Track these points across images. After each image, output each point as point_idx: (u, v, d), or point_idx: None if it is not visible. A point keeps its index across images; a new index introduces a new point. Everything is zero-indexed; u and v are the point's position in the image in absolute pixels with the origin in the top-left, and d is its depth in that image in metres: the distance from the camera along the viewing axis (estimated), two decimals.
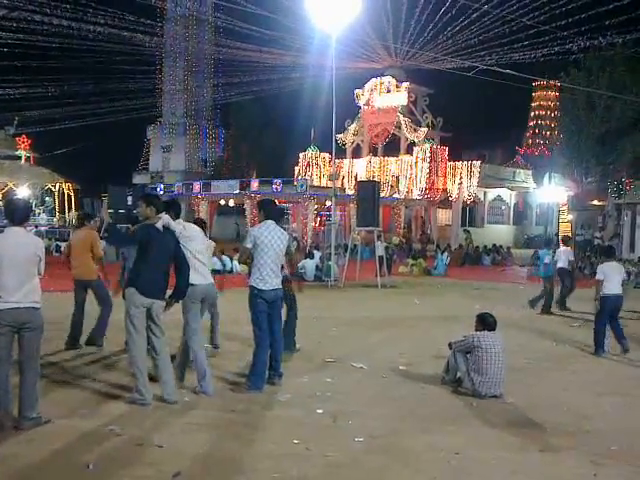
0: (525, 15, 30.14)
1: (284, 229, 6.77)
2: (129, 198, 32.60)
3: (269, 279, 6.26)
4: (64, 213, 40.43)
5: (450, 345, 6.62)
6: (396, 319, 11.25)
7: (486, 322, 6.42)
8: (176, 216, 6.17)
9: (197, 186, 36.34)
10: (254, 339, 6.33)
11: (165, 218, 5.81)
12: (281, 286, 6.49)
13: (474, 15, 32.76)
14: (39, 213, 38.03)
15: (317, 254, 20.34)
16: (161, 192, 38.73)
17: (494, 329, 6.41)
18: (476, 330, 6.45)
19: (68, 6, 25.42)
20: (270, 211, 6.52)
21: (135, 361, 5.64)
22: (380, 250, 18.49)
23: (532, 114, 57.57)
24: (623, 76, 27.95)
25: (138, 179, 54.45)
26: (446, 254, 23.89)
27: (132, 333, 5.60)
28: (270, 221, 6.40)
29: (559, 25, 28.80)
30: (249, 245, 6.27)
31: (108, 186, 32.13)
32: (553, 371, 7.55)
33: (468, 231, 28.93)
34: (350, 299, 14.26)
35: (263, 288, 6.23)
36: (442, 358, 6.98)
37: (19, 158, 40.64)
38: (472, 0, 30.82)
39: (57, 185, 40.63)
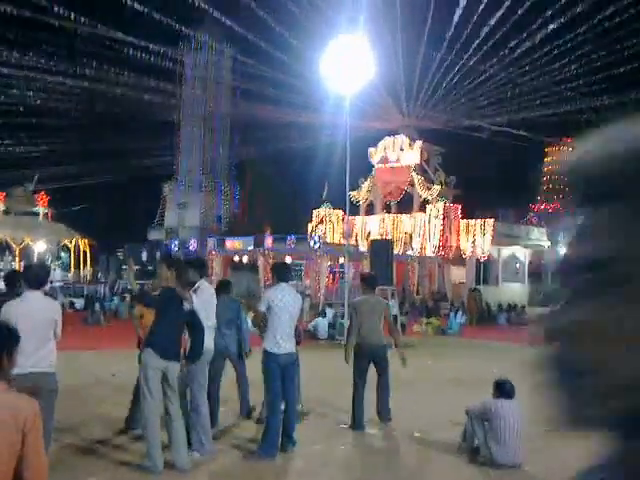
0: (537, 75, 30.72)
1: (297, 289, 6.84)
2: (144, 254, 32.86)
3: (283, 343, 6.25)
4: (79, 269, 40.74)
5: (467, 412, 6.50)
6: (410, 381, 11.08)
7: (503, 389, 6.32)
8: (200, 276, 6.25)
9: (211, 242, 36.60)
10: (267, 405, 6.27)
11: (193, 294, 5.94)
12: (295, 350, 6.48)
13: (485, 76, 33.37)
14: (54, 269, 38.37)
15: (330, 312, 20.27)
16: (176, 248, 39.06)
17: (512, 397, 6.30)
18: (493, 397, 6.34)
19: (89, 68, 26.28)
20: (283, 274, 6.60)
21: (148, 425, 5.59)
22: (394, 309, 18.37)
23: (545, 172, 58.05)
24: None
25: (153, 235, 54.95)
26: (460, 313, 23.71)
27: (147, 396, 5.58)
28: (284, 284, 6.46)
29: (569, 86, 29.29)
30: (263, 308, 6.30)
31: (125, 244, 32.67)
32: (575, 439, 7.35)
33: (477, 289, 28.73)
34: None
35: (278, 352, 6.21)
36: (458, 424, 6.84)
37: (37, 214, 41.29)
38: (482, 63, 31.49)
39: (73, 241, 41.10)
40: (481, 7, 24.64)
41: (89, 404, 8.33)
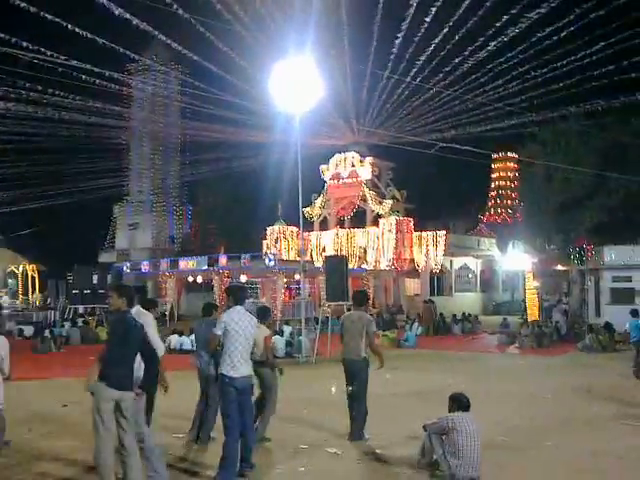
0: (481, 91, 31.46)
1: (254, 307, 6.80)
2: (94, 277, 32.12)
3: (240, 366, 6.19)
4: (27, 295, 39.53)
5: (425, 427, 6.52)
6: (369, 396, 11.08)
7: (459, 403, 6.37)
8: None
9: (164, 263, 36.05)
10: (223, 430, 6.17)
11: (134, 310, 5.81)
12: (252, 373, 6.42)
13: (431, 93, 34.03)
14: (1, 296, 37.12)
15: (287, 329, 20.17)
16: (127, 270, 38.33)
17: (467, 409, 6.34)
18: (449, 411, 6.38)
19: (33, 92, 25.69)
20: (239, 297, 6.55)
21: (99, 458, 5.42)
22: None
23: (493, 184, 59.44)
24: (577, 147, 29.12)
25: (104, 257, 53.88)
26: (416, 325, 23.90)
27: (99, 428, 5.42)
28: (239, 307, 6.42)
29: (513, 101, 30.08)
30: (219, 332, 6.23)
31: (73, 266, 31.79)
32: (530, 449, 7.46)
33: (431, 301, 29.10)
34: (321, 376, 14.04)
35: (234, 376, 6.14)
36: (417, 439, 6.86)
37: None
38: (428, 80, 32.13)
39: (21, 266, 39.92)
40: (424, 26, 25.10)
41: (37, 437, 8.03)
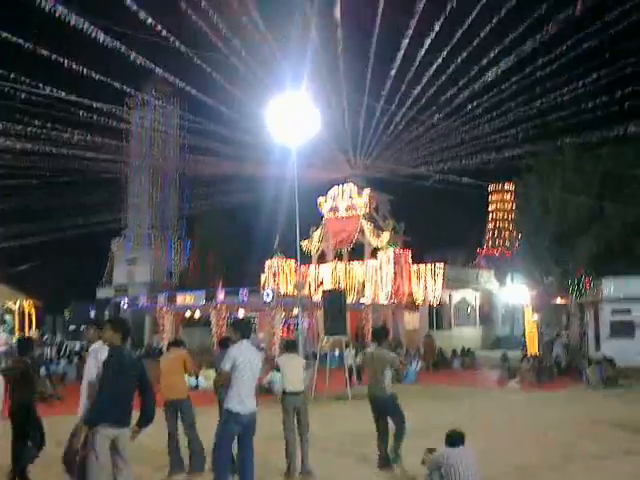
0: (477, 123, 31.83)
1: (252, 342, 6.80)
2: (92, 313, 31.93)
3: (248, 401, 6.20)
4: (24, 331, 39.25)
5: (423, 462, 6.51)
6: (367, 435, 10.93)
7: (452, 440, 6.36)
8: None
9: (162, 298, 35.91)
10: (213, 466, 6.08)
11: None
12: (256, 408, 6.40)
13: (427, 125, 34.45)
14: None
15: None
16: (125, 305, 38.15)
17: (461, 444, 6.32)
18: (445, 446, 6.38)
19: (32, 127, 25.90)
20: (246, 331, 6.58)
21: None
22: (349, 359, 18.29)
23: (490, 216, 59.69)
24: (573, 178, 29.29)
25: (102, 293, 53.73)
26: (417, 360, 23.73)
27: (94, 466, 5.33)
28: (246, 341, 6.43)
29: (509, 133, 30.44)
30: (228, 367, 6.21)
31: (71, 302, 31.74)
32: None
33: (430, 335, 28.97)
34: (319, 414, 13.84)
35: (242, 412, 6.10)
36: (419, 475, 6.77)
37: None
38: (424, 113, 32.54)
39: (17, 302, 39.70)
40: (418, 59, 25.56)
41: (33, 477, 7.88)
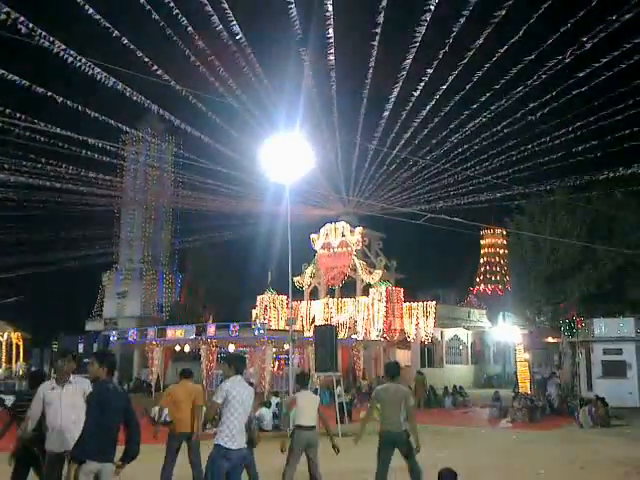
0: (468, 165, 32.23)
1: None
2: (80, 346, 31.57)
3: (238, 437, 6.14)
4: (10, 364, 38.79)
5: None
6: (357, 472, 10.83)
7: (441, 477, 6.30)
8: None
9: (152, 332, 35.65)
10: None
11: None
12: (246, 445, 6.34)
13: (419, 166, 34.86)
14: None
15: (275, 400, 19.82)
16: (114, 338, 37.83)
17: None
18: None
19: (23, 159, 26.02)
20: (241, 366, 6.56)
21: None
22: (341, 397, 18.16)
23: (482, 255, 59.91)
24: (564, 219, 29.58)
25: (91, 326, 53.21)
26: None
27: None
28: (239, 376, 6.41)
29: (500, 174, 30.80)
30: (220, 400, 6.17)
31: (59, 334, 31.43)
32: None
33: (421, 373, 28.81)
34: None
35: (232, 447, 6.05)
36: None
37: None
38: (415, 154, 32.96)
39: (5, 334, 39.34)
40: (412, 100, 25.95)
41: None
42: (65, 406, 6.31)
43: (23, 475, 6.86)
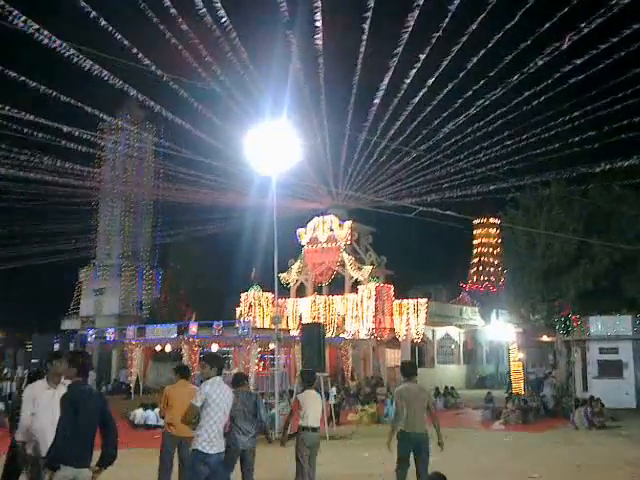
0: (462, 156, 32.28)
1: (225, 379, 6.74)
2: (56, 346, 31.32)
3: (216, 442, 6.12)
4: None
5: None
6: (345, 476, 10.83)
7: None
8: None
9: (131, 331, 35.47)
10: None
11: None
12: (224, 448, 6.31)
13: (410, 157, 34.83)
14: None
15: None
16: (92, 338, 37.60)
17: None
18: None
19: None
20: (220, 366, 6.51)
21: None
22: (332, 397, 18.18)
23: (475, 251, 60.16)
24: (559, 214, 29.69)
25: (67, 324, 52.94)
26: None
27: None
28: (219, 378, 6.36)
29: (494, 165, 30.86)
30: (199, 403, 6.13)
31: (33, 334, 31.11)
32: None
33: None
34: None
35: (210, 452, 6.02)
36: None
37: None
38: (407, 144, 32.94)
39: None
40: (403, 89, 25.92)
41: None
42: (57, 408, 6.23)
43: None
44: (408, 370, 8.30)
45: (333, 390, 20.30)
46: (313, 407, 8.43)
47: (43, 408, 6.24)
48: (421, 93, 26.33)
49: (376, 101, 27.66)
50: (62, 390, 6.32)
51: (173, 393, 8.35)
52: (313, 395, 8.66)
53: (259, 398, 8.36)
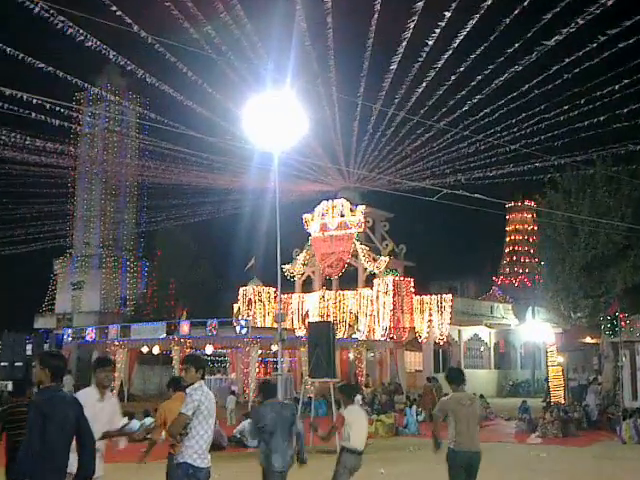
0: (493, 131, 32.11)
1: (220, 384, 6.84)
2: (28, 347, 31.69)
3: (206, 455, 6.25)
4: None
5: None
6: None
7: None
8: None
9: (113, 330, 35.69)
10: None
11: None
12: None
13: (435, 130, 34.60)
14: None
15: None
16: (69, 338, 37.86)
17: None
18: None
19: None
20: (205, 369, 6.59)
21: None
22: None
23: (508, 239, 59.91)
24: (605, 197, 29.54)
25: (41, 323, 53.28)
26: (419, 408, 23.68)
27: None
28: (203, 382, 6.44)
29: (531, 141, 30.69)
30: (190, 412, 6.21)
31: (3, 333, 31.44)
32: None
33: (435, 379, 28.90)
34: (300, 473, 13.77)
35: (201, 465, 6.13)
36: None
37: None
38: (431, 117, 32.74)
39: None
40: (426, 51, 25.60)
41: None
42: (103, 423, 6.31)
43: None
44: (456, 377, 8.20)
45: (358, 399, 20.36)
46: (358, 427, 8.31)
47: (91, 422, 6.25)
48: (446, 56, 26.05)
49: (393, 66, 27.44)
50: (112, 402, 6.40)
51: (172, 408, 8.14)
52: (359, 412, 8.61)
53: (295, 410, 8.25)
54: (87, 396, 6.38)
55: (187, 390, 6.51)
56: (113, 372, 6.42)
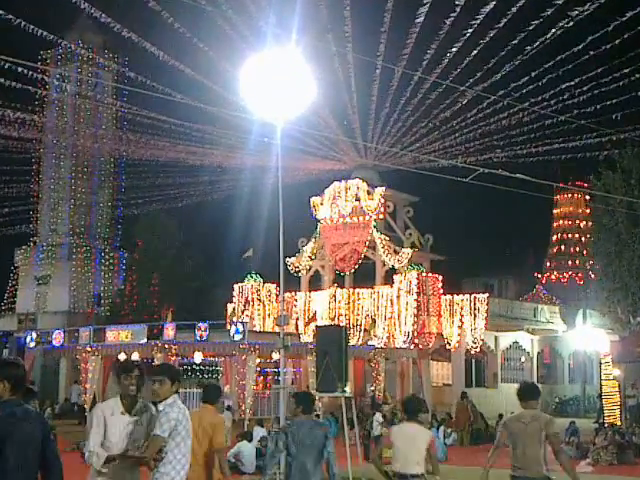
0: (538, 99, 31.94)
1: None
2: None
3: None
4: None
5: None
6: None
7: None
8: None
9: (85, 334, 35.82)
10: None
11: None
12: None
13: (469, 97, 34.41)
14: None
15: (259, 432, 19.98)
16: (32, 342, 38.04)
17: None
18: None
19: None
20: (180, 381, 6.70)
21: None
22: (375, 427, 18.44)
23: (555, 227, 59.80)
24: None
25: (0, 324, 53.55)
26: (448, 429, 23.70)
27: None
28: (177, 396, 6.46)
29: (583, 111, 30.51)
30: (167, 434, 6.22)
31: None
32: None
33: (466, 395, 28.93)
34: None
35: None
36: None
37: None
38: (466, 78, 32.57)
39: None
40: (460, 3, 25.46)
41: None
42: (126, 436, 6.35)
43: None
44: (528, 393, 8.17)
45: (378, 417, 20.48)
46: (405, 446, 8.15)
47: (116, 439, 6.28)
48: (485, 10, 25.88)
49: (419, 20, 27.27)
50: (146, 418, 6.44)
51: (215, 422, 8.25)
52: (410, 429, 8.33)
53: (329, 430, 8.19)
54: (106, 409, 6.43)
55: (160, 407, 6.45)
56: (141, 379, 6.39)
